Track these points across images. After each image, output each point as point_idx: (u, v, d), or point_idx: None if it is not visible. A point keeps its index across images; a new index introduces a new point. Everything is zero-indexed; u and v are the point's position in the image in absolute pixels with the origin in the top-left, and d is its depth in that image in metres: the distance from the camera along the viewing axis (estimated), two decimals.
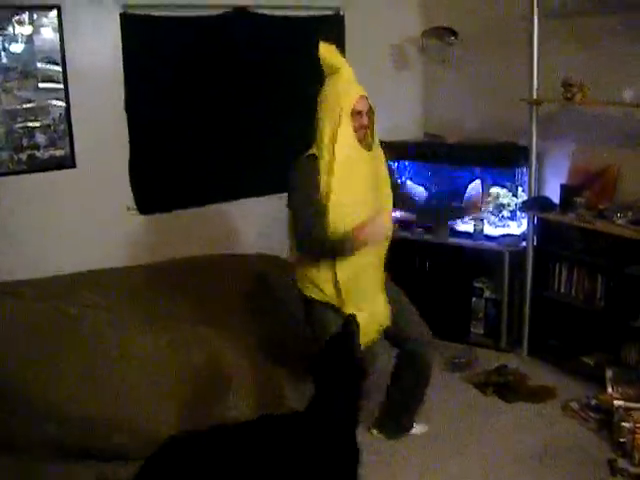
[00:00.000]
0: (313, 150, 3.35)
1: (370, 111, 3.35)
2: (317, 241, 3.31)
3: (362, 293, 3.48)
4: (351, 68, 3.40)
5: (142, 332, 4.04)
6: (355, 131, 3.29)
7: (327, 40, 5.28)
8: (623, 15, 4.30)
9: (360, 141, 3.33)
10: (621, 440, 3.65)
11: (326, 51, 3.35)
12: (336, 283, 3.40)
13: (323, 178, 3.29)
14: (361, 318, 3.20)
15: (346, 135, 3.27)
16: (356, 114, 3.27)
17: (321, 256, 3.38)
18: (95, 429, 3.56)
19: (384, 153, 3.60)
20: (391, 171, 3.87)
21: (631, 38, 4.27)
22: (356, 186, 3.33)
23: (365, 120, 3.31)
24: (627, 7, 4.25)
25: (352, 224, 3.27)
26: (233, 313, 4.34)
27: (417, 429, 3.96)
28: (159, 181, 4.89)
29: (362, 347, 3.34)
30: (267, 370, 4.01)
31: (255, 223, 5.23)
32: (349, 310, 3.33)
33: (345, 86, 3.32)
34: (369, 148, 3.39)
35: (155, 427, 3.61)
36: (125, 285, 4.45)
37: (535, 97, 4.61)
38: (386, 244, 3.55)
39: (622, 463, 3.54)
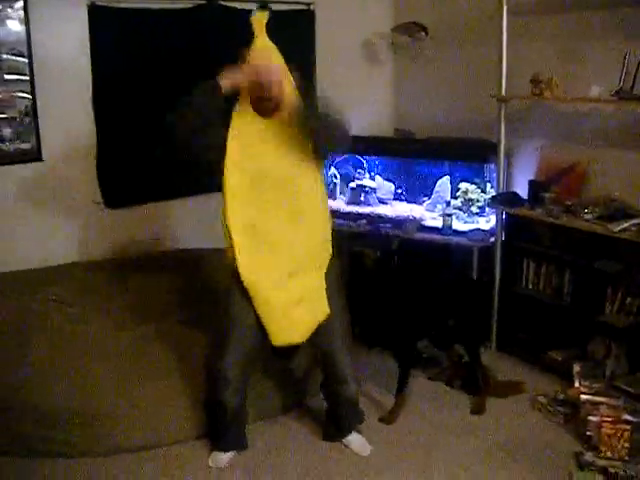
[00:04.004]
0: None
1: (274, 83, 3.19)
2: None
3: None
4: (267, 38, 3.29)
5: (106, 327, 4.02)
6: (257, 101, 3.24)
7: (297, 34, 5.34)
8: (591, 13, 4.34)
9: (258, 111, 3.26)
10: (588, 433, 3.67)
11: (254, 19, 3.28)
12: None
13: None
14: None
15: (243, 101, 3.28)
16: (253, 84, 3.19)
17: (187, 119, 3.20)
18: (61, 424, 3.54)
19: None
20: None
21: (599, 35, 4.31)
22: (250, 153, 3.29)
23: (266, 93, 3.18)
24: (595, 5, 4.28)
25: None
26: (201, 309, 4.31)
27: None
28: (127, 175, 4.85)
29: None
30: None
31: None
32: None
33: (254, 53, 3.24)
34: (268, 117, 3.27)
35: (118, 422, 3.62)
36: (90, 280, 4.42)
37: (504, 93, 4.62)
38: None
39: (589, 456, 3.55)
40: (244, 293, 3.33)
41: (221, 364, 3.43)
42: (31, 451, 3.55)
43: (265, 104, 3.21)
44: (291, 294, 3.33)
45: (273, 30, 5.07)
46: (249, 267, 3.29)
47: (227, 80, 3.18)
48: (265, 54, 3.22)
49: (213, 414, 3.64)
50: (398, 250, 4.68)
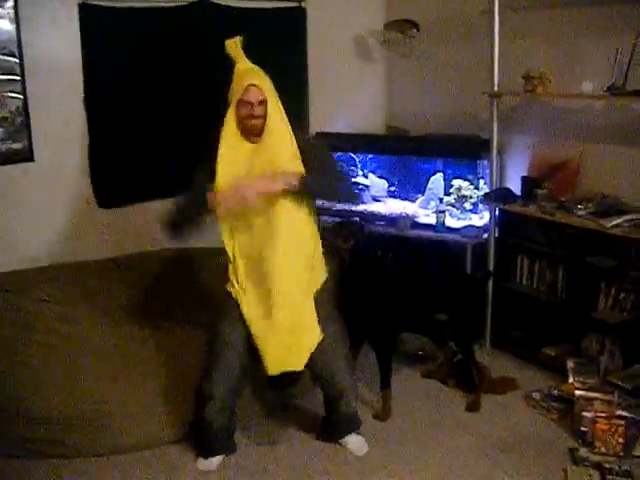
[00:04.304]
0: None
1: (263, 102, 3.27)
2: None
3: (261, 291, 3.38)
4: (247, 60, 3.36)
5: (99, 327, 4.01)
6: (240, 121, 3.28)
7: (289, 32, 5.34)
8: (583, 8, 4.33)
9: (246, 131, 3.31)
10: (582, 429, 3.67)
11: (228, 45, 3.34)
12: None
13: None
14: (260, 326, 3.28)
15: (229, 125, 3.30)
16: (244, 103, 3.25)
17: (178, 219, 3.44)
18: (54, 425, 3.54)
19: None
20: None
21: (591, 31, 4.31)
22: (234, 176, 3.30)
23: (255, 110, 3.25)
24: (587, 1, 4.28)
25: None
26: (193, 308, 4.30)
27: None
28: (119, 174, 4.83)
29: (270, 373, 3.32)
30: None
31: None
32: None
33: (238, 76, 3.31)
34: (255, 141, 3.34)
35: (110, 424, 3.61)
36: (83, 280, 4.41)
37: (496, 90, 4.62)
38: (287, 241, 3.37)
39: (583, 452, 3.57)
40: (238, 318, 3.36)
41: (208, 384, 3.45)
42: (28, 452, 3.56)
43: (254, 122, 3.26)
44: (284, 321, 3.32)
45: (265, 28, 5.12)
46: (246, 296, 3.36)
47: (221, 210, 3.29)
48: (250, 75, 3.29)
49: (198, 431, 3.62)
50: (374, 239, 4.67)
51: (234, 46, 3.34)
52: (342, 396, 3.61)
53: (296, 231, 3.38)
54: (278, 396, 3.99)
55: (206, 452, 3.60)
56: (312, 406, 4.01)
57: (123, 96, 4.73)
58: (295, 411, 4.09)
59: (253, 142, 3.34)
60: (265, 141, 3.31)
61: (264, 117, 3.28)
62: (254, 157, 3.32)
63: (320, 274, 3.54)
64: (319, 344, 3.39)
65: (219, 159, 3.29)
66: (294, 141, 3.38)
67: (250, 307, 3.35)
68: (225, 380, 3.42)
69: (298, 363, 3.35)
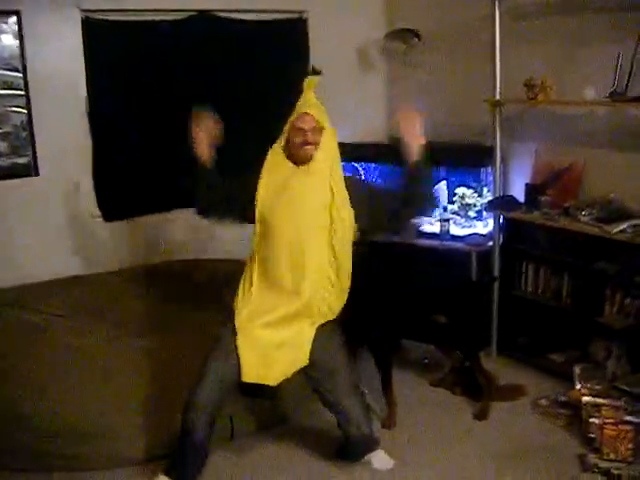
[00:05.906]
0: None
1: (317, 130, 3.34)
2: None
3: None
4: (312, 94, 3.45)
5: (107, 341, 4.01)
6: (292, 149, 3.34)
7: (290, 43, 5.36)
8: (583, 16, 4.34)
9: (296, 159, 3.35)
10: (590, 436, 3.66)
11: (308, 80, 3.46)
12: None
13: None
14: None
15: (276, 148, 3.41)
16: (297, 130, 3.32)
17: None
18: (61, 439, 3.53)
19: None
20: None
21: (592, 37, 4.31)
22: (273, 195, 3.35)
23: (309, 137, 3.31)
24: (587, 9, 4.29)
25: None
26: (199, 320, 4.30)
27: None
28: (123, 188, 4.85)
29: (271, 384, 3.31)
30: None
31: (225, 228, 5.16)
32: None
33: (297, 106, 3.40)
34: (299, 165, 3.36)
35: (117, 437, 3.59)
36: (90, 293, 4.42)
37: (498, 98, 4.63)
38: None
39: (592, 458, 3.54)
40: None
41: (196, 390, 3.32)
42: (36, 466, 3.54)
43: (307, 149, 3.31)
44: (275, 337, 3.33)
45: (266, 40, 5.15)
46: (253, 298, 3.36)
47: (200, 147, 3.46)
48: (308, 105, 3.39)
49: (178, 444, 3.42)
50: (374, 246, 4.66)
51: (310, 82, 3.44)
52: (351, 420, 3.54)
53: (317, 263, 3.36)
54: (271, 411, 3.94)
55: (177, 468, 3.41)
56: (309, 422, 4.02)
57: (126, 110, 4.76)
58: (290, 428, 4.03)
59: (297, 165, 3.36)
60: (310, 167, 3.34)
61: (317, 146, 3.33)
62: (293, 176, 3.34)
63: (331, 312, 3.46)
64: (329, 371, 3.41)
65: (263, 172, 3.38)
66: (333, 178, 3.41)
67: (249, 311, 3.34)
68: (213, 392, 3.33)
69: (273, 379, 3.33)
